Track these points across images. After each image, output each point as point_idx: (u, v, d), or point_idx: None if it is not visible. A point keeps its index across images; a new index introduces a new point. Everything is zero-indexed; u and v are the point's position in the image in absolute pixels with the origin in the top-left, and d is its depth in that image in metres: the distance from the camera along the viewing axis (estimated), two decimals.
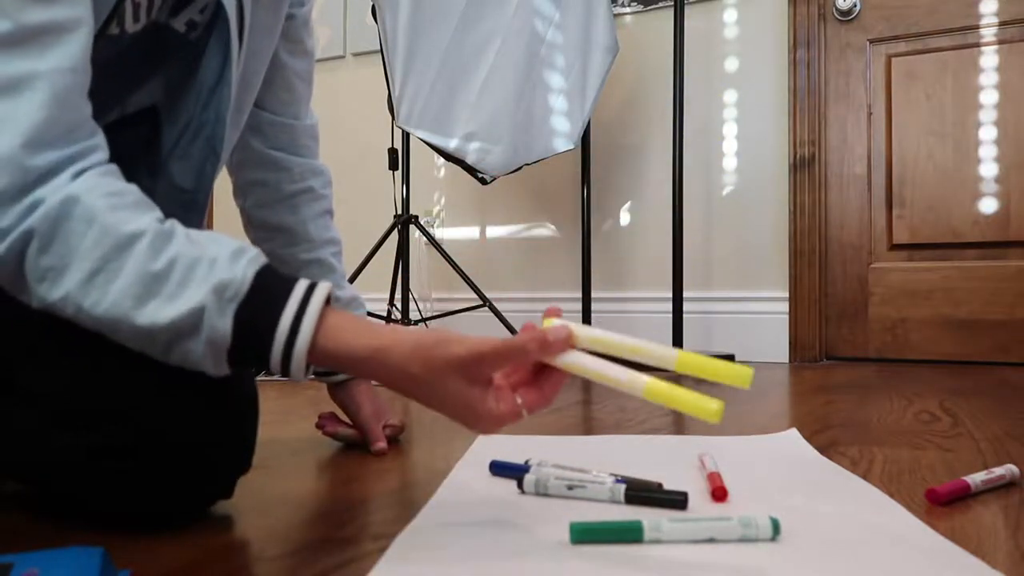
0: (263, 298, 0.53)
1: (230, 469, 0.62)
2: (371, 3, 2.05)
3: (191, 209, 0.74)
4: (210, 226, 2.32)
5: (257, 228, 0.95)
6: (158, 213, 0.55)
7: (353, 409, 0.93)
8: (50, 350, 0.59)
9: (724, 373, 0.50)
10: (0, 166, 0.50)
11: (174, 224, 0.55)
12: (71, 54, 0.53)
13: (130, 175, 0.57)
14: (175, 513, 0.59)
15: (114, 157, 0.57)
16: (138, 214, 0.53)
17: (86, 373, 0.57)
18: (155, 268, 0.52)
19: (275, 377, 0.63)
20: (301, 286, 0.54)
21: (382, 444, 0.90)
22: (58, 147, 0.52)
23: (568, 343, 0.54)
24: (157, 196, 0.64)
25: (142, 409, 0.57)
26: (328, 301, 0.55)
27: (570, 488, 0.65)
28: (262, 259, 0.55)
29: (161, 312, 0.51)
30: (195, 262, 0.52)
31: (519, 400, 0.55)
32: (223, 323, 0.52)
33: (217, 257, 0.53)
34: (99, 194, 0.52)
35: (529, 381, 0.56)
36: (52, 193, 0.51)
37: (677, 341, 2.05)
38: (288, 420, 1.14)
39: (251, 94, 0.80)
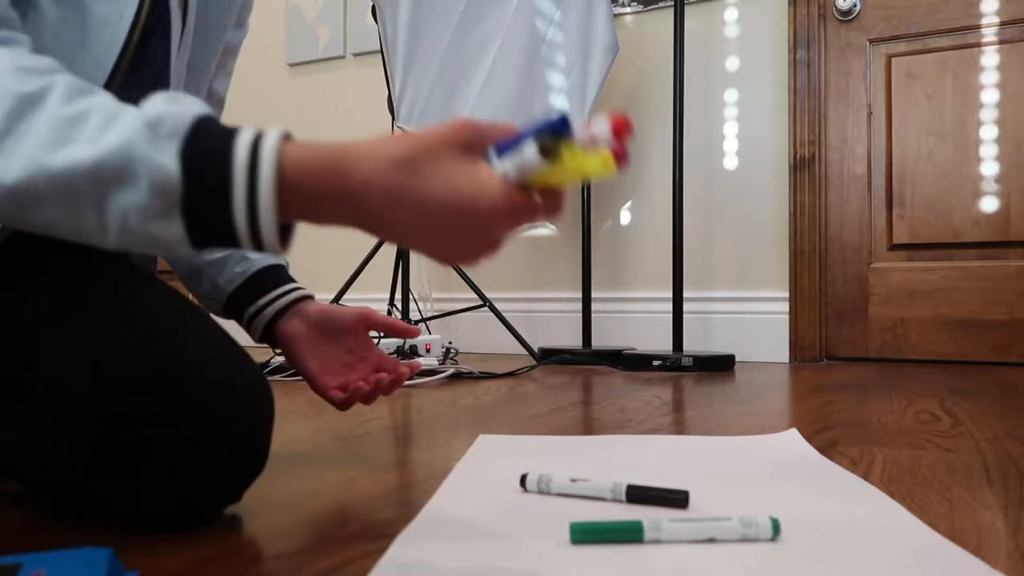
0: (211, 133, 0.45)
1: (244, 473, 0.62)
2: (371, 3, 2.05)
3: None
4: None
5: None
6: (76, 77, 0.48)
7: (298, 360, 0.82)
8: (63, 350, 0.59)
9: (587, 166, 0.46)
10: None
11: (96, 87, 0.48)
12: None
13: None
14: (188, 516, 0.59)
15: None
16: (49, 74, 0.47)
17: (100, 374, 0.57)
18: (70, 112, 0.45)
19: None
20: (251, 128, 0.47)
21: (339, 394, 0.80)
22: None
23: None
24: None
25: (157, 413, 0.56)
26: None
27: (573, 481, 0.65)
28: (206, 108, 0.48)
29: (81, 152, 0.44)
30: (120, 108, 0.46)
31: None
32: (164, 158, 0.44)
33: (149, 101, 0.46)
34: (6, 57, 0.47)
35: None
36: None
37: (677, 341, 2.05)
38: (288, 420, 1.14)
39: (200, 83, 0.79)
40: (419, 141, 0.45)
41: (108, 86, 0.61)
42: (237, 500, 0.63)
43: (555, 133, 0.46)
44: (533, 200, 0.46)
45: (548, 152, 0.45)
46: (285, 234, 0.47)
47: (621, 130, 0.47)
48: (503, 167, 0.46)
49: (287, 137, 0.46)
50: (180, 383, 0.56)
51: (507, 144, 0.47)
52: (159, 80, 0.68)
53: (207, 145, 0.45)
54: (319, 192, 0.45)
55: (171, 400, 0.56)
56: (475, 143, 0.46)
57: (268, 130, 0.46)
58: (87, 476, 0.58)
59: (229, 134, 0.45)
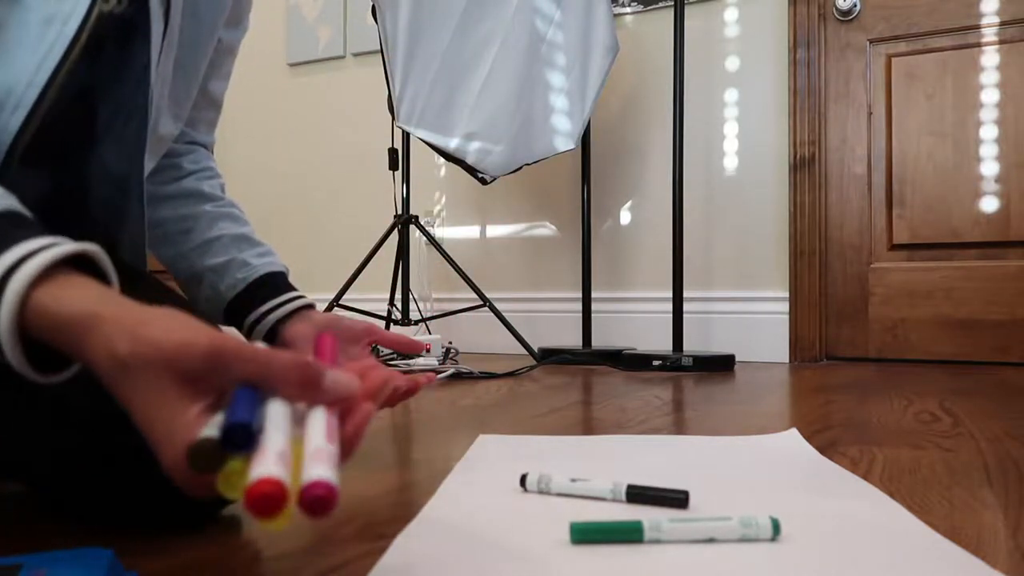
0: None
1: None
2: (371, 3, 2.05)
3: (127, 195, 0.70)
4: None
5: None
6: None
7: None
8: None
9: None
10: None
11: None
12: None
13: (64, 155, 0.55)
14: (188, 516, 0.59)
15: (48, 137, 0.55)
16: None
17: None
18: None
19: None
20: (41, 240, 0.42)
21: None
22: None
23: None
24: (91, 179, 0.62)
25: None
26: (86, 262, 0.44)
27: (573, 481, 0.65)
28: (5, 202, 0.44)
29: None
30: None
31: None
32: None
33: None
34: None
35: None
36: None
37: (677, 341, 2.05)
38: None
39: (190, 84, 0.77)
40: (145, 350, 0.38)
41: (46, 89, 0.57)
42: (237, 500, 0.63)
43: (228, 441, 0.35)
44: (212, 482, 0.38)
45: (203, 459, 0.35)
46: (62, 363, 0.44)
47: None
48: (213, 425, 0.37)
49: (58, 265, 0.42)
50: None
51: (245, 394, 0.38)
52: (140, 83, 0.66)
53: None
54: (56, 343, 0.41)
55: None
56: (207, 375, 0.39)
57: (35, 257, 0.41)
58: (87, 476, 0.58)
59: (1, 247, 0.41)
